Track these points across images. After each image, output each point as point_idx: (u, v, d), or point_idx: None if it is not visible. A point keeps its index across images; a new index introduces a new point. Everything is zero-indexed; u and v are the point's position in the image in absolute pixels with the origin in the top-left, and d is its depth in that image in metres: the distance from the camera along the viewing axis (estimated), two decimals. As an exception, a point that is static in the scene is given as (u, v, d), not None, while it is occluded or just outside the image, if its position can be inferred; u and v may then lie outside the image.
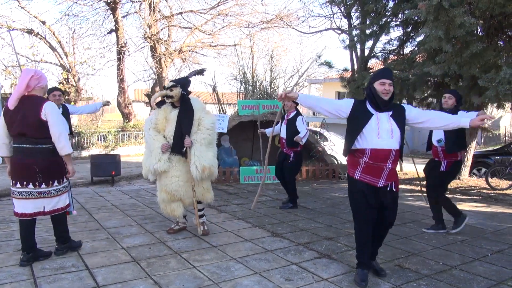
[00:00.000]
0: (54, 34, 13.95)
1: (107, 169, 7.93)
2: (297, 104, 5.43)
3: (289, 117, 5.92)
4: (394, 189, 3.24)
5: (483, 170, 9.39)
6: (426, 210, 6.14)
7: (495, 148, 10.09)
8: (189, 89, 4.54)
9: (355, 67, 10.49)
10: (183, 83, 4.49)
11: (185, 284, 3.23)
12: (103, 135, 15.50)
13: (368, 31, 8.43)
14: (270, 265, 3.67)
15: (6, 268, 3.48)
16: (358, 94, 9.63)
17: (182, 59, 19.08)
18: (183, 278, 3.34)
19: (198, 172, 4.20)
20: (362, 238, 3.28)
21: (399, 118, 3.19)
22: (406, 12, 8.16)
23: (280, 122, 6.13)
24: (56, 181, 3.64)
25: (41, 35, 13.81)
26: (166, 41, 18.19)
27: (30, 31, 13.54)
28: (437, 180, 4.84)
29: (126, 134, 16.43)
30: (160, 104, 4.53)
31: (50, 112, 3.48)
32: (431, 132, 4.82)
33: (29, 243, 3.62)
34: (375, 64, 11.05)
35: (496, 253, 4.14)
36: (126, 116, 17.06)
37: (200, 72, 4.92)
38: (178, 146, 4.31)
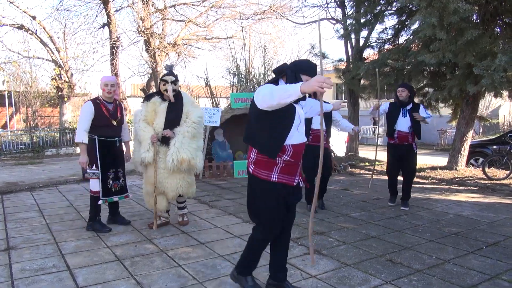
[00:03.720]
0: (45, 29, 13.73)
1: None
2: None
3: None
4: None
5: (481, 160, 9.26)
6: (421, 201, 6.04)
7: (493, 137, 9.95)
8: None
9: (350, 57, 10.32)
10: (176, 76, 4.56)
11: (168, 283, 3.12)
12: (77, 127, 15.36)
13: (362, 20, 8.26)
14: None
15: (-16, 270, 3.37)
16: (353, 85, 9.49)
17: (177, 52, 18.86)
18: (167, 278, 3.23)
19: (174, 164, 4.25)
20: None
21: None
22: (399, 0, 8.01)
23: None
24: (89, 166, 4.39)
25: (32, 31, 13.59)
26: (160, 34, 17.98)
27: (20, 27, 13.33)
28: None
29: (121, 129, 16.28)
30: (149, 97, 4.58)
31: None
32: (393, 121, 5.46)
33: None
34: (370, 54, 10.88)
35: (491, 246, 4.04)
36: (121, 111, 16.89)
37: (170, 67, 4.84)
38: (166, 138, 4.38)
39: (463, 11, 5.18)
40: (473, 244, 4.07)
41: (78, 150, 14.53)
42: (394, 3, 8.85)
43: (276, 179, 2.68)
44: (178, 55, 18.94)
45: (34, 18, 13.40)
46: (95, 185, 4.40)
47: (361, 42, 10.23)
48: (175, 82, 4.41)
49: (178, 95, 4.48)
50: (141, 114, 4.52)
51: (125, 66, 28.79)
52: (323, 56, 10.00)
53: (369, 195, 6.48)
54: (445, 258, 3.69)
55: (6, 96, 18.11)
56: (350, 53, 10.28)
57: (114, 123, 4.44)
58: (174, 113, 4.41)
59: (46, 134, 14.16)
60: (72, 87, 14.74)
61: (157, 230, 4.51)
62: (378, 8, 8.43)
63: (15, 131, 15.04)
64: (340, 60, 10.27)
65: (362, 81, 9.91)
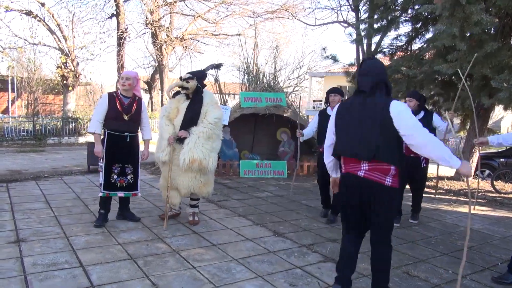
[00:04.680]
0: (53, 16, 13.59)
1: (104, 158, 7.70)
2: (343, 97, 5.10)
3: None
4: None
5: (487, 172, 9.24)
6: (430, 212, 6.00)
7: (500, 150, 9.93)
8: (204, 82, 4.61)
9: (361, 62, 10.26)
10: (200, 76, 4.57)
11: (185, 286, 3.06)
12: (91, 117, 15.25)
13: (376, 26, 8.19)
14: (273, 268, 3.51)
15: (-5, 263, 3.30)
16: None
17: (183, 47, 18.78)
18: (182, 280, 3.17)
19: (185, 163, 4.26)
20: None
21: None
22: (417, 7, 7.95)
23: (319, 121, 5.17)
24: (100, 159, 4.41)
25: (40, 17, 13.45)
26: (168, 28, 17.88)
27: (28, 13, 13.19)
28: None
29: (124, 121, 16.17)
30: (175, 94, 4.65)
31: None
32: None
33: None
34: (382, 60, 10.82)
35: (506, 262, 3.99)
36: (125, 103, 16.78)
37: (218, 66, 5.05)
38: (183, 138, 4.39)
39: (486, 23, 5.13)
40: (488, 260, 4.03)
41: (80, 139, 14.47)
42: (409, 10, 8.80)
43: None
44: (185, 50, 18.86)
45: (43, 4, 13.27)
46: (101, 178, 4.40)
47: (373, 47, 10.17)
48: (188, 79, 4.40)
49: (198, 94, 4.47)
50: (165, 110, 4.63)
51: (130, 58, 28.66)
52: (334, 59, 9.94)
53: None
54: (462, 273, 3.64)
55: (9, 82, 17.97)
56: (361, 57, 10.21)
57: (126, 117, 4.36)
58: (192, 112, 4.43)
59: (49, 122, 14.05)
60: (77, 76, 14.62)
61: (168, 229, 4.45)
62: (393, 14, 8.36)
63: (17, 118, 14.92)
64: (351, 64, 10.20)
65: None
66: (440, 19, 5.44)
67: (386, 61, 10.77)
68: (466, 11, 5.18)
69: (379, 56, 10.37)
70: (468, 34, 5.56)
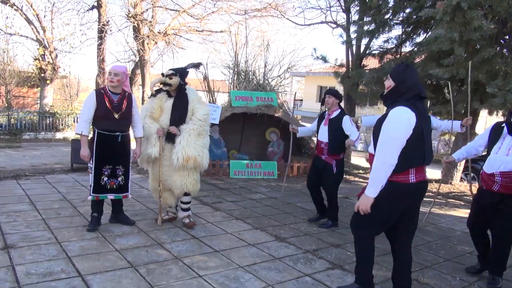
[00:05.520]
0: (31, 6, 12.97)
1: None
2: (340, 100, 4.92)
3: (332, 117, 4.82)
4: None
5: (472, 175, 9.42)
6: (424, 215, 5.99)
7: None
8: (186, 79, 4.48)
9: (350, 63, 10.27)
10: (182, 72, 4.43)
11: (194, 297, 2.90)
12: (79, 117, 14.70)
13: (368, 28, 8.19)
14: (282, 276, 3.38)
15: (-16, 272, 3.04)
16: (354, 91, 9.44)
17: (166, 42, 18.35)
18: (190, 290, 3.00)
19: (179, 162, 4.15)
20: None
21: None
22: (411, 11, 7.98)
23: (317, 122, 5.07)
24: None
25: (17, 6, 12.80)
26: (151, 22, 17.42)
27: (4, 1, 12.53)
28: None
29: (104, 117, 15.66)
30: (156, 93, 4.46)
31: None
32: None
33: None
34: (371, 62, 10.87)
35: (509, 268, 4.01)
36: (105, 98, 16.23)
37: (197, 65, 4.88)
38: (171, 135, 4.30)
39: (486, 29, 5.16)
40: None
41: (57, 135, 13.91)
42: (400, 14, 8.84)
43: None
44: (167, 44, 18.42)
45: (20, -7, 12.65)
46: (90, 179, 4.17)
47: (362, 48, 10.20)
48: (171, 76, 4.24)
49: (181, 91, 4.34)
50: (147, 110, 4.44)
51: (109, 51, 27.81)
52: (324, 59, 9.90)
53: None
54: (469, 280, 3.64)
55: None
56: (350, 58, 10.22)
57: (116, 116, 4.11)
58: (180, 110, 4.31)
59: (24, 117, 13.42)
60: (56, 69, 14.02)
61: (166, 234, 4.26)
62: (386, 16, 8.38)
63: (-10, 111, 14.19)
64: (341, 65, 10.19)
65: (359, 88, 9.87)
66: (440, 24, 5.45)
67: (375, 63, 10.83)
68: (467, 16, 5.20)
69: (368, 58, 10.42)
70: (467, 39, 5.58)
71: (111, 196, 4.28)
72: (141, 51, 16.95)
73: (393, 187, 2.62)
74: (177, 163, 4.16)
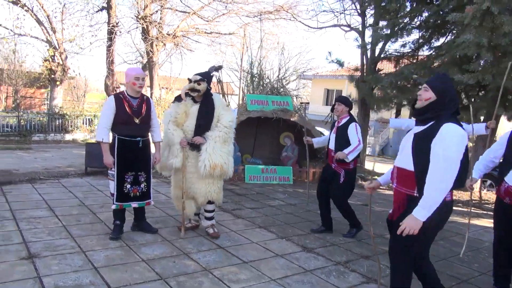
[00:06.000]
0: (42, 7, 12.90)
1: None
2: (350, 108, 4.74)
3: (340, 125, 4.67)
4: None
5: (489, 182, 9.27)
6: (448, 225, 5.84)
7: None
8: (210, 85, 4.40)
9: (365, 67, 10.14)
10: (209, 78, 4.32)
11: (230, 314, 2.77)
12: (88, 119, 14.64)
13: (385, 32, 8.06)
14: None
15: (11, 285, 2.92)
16: (370, 96, 9.32)
17: (174, 44, 18.27)
18: (225, 306, 2.88)
19: (206, 169, 4.03)
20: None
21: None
22: (430, 14, 7.85)
23: (330, 130, 4.93)
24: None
25: (28, 7, 12.75)
26: (160, 23, 17.35)
27: (15, 2, 12.46)
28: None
29: (113, 118, 15.57)
30: (180, 98, 4.32)
31: None
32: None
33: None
34: (387, 66, 10.74)
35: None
36: (114, 100, 16.15)
37: (218, 68, 4.86)
38: (198, 143, 4.15)
39: (516, 35, 5.04)
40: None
41: (67, 137, 13.84)
42: (417, 18, 8.72)
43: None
44: (176, 46, 18.35)
45: (32, -7, 12.58)
46: (111, 187, 4.05)
47: (376, 52, 10.07)
48: (199, 82, 4.13)
49: (207, 97, 4.23)
50: (170, 115, 4.29)
51: (116, 53, 27.78)
52: (339, 63, 9.77)
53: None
54: None
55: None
56: (365, 62, 10.08)
57: (136, 121, 4.01)
58: (206, 116, 4.19)
59: (34, 118, 13.36)
60: (66, 70, 13.95)
61: (191, 243, 4.14)
62: (404, 20, 8.26)
63: (0, 112, 14.14)
64: (356, 69, 10.07)
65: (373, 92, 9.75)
66: (468, 28, 5.31)
67: (390, 67, 10.70)
68: (496, 21, 5.07)
69: (383, 62, 10.30)
70: (493, 45, 5.45)
71: (134, 205, 4.16)
72: (150, 52, 16.88)
73: (445, 206, 2.48)
74: (204, 171, 4.04)
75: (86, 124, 14.56)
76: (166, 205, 5.59)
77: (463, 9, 6.20)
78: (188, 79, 4.27)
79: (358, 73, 10.24)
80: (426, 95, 2.56)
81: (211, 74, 4.44)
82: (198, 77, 4.16)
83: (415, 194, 2.52)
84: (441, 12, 7.70)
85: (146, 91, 20.96)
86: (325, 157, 5.59)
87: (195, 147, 4.16)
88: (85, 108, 15.66)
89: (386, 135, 25.28)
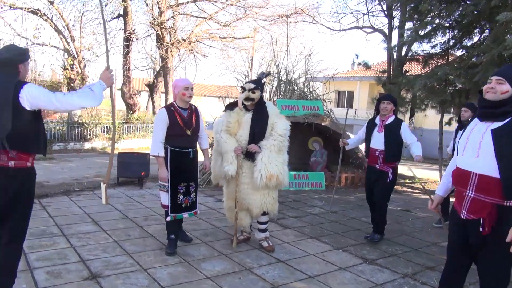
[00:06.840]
0: (62, 16, 12.89)
1: (136, 169, 7.18)
2: (396, 107, 4.71)
3: (387, 123, 4.59)
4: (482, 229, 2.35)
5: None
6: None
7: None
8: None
9: (391, 69, 9.98)
10: (261, 85, 4.18)
11: (317, 336, 2.62)
12: (107, 127, 14.57)
13: (421, 32, 7.89)
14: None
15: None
16: (400, 98, 9.15)
17: (189, 49, 18.23)
18: (309, 327, 2.73)
19: (262, 180, 3.89)
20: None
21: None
22: (463, 13, 7.67)
23: (366, 130, 4.86)
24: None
25: (47, 16, 12.73)
26: (174, 29, 17.31)
27: (35, 11, 12.45)
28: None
29: (130, 126, 15.54)
30: (232, 106, 4.20)
31: None
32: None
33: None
34: (414, 67, 10.56)
35: None
36: (131, 107, 16.13)
37: (268, 74, 4.86)
38: (251, 152, 4.02)
39: None
40: None
41: (86, 145, 13.78)
42: (447, 18, 8.53)
43: None
44: (191, 52, 18.30)
45: (51, 3, 12.55)
46: (164, 198, 3.94)
47: (403, 53, 9.91)
48: (254, 90, 4.00)
49: (261, 105, 4.09)
50: (222, 124, 4.17)
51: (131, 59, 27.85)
52: (367, 66, 9.62)
53: (435, 218, 6.01)
54: None
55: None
56: (392, 64, 9.92)
57: (189, 132, 3.92)
58: (259, 125, 4.04)
59: (54, 127, 13.32)
60: (84, 78, 13.93)
61: (249, 257, 4.00)
62: (437, 21, 8.10)
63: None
64: (384, 71, 9.90)
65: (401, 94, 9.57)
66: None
67: (417, 69, 10.52)
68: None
69: (409, 63, 10.12)
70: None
71: (185, 215, 4.06)
72: (165, 58, 16.84)
73: None
74: (260, 181, 3.91)
75: (104, 132, 14.49)
76: (209, 216, 5.47)
77: (504, 8, 6.03)
78: (241, 87, 4.15)
79: (385, 75, 10.08)
80: (502, 88, 2.32)
81: (263, 81, 4.33)
82: (253, 85, 4.04)
83: (505, 204, 2.32)
84: (475, 12, 7.53)
85: (159, 97, 20.87)
86: (365, 159, 5.44)
87: (250, 156, 4.04)
88: (103, 116, 15.57)
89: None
